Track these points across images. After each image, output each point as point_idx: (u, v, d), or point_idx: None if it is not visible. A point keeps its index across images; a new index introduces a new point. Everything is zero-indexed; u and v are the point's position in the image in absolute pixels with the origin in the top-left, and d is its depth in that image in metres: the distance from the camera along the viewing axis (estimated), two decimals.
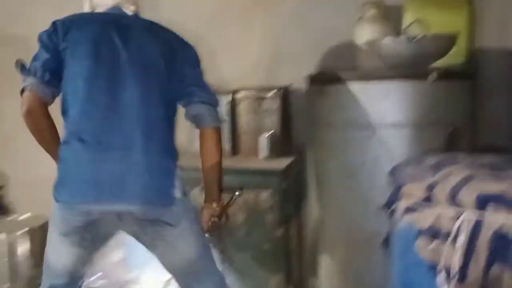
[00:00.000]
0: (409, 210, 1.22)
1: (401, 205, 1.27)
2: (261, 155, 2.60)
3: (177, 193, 1.56)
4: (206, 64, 1.80)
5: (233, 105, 2.68)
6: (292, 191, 2.57)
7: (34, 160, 2.89)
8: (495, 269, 1.00)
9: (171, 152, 1.62)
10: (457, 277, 1.00)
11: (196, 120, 1.71)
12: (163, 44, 1.64)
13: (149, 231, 1.58)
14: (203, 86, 1.72)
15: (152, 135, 1.54)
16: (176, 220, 1.57)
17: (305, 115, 2.54)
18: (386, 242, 1.45)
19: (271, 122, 2.64)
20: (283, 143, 2.65)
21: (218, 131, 1.71)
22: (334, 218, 2.35)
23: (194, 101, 1.69)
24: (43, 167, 2.17)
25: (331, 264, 2.40)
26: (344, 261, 2.33)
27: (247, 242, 2.45)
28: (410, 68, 2.10)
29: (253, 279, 2.48)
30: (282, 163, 2.50)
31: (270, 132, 2.59)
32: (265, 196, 2.41)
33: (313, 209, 2.53)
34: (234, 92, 2.68)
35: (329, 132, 2.30)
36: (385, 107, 2.13)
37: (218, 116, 1.73)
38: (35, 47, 1.64)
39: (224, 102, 2.60)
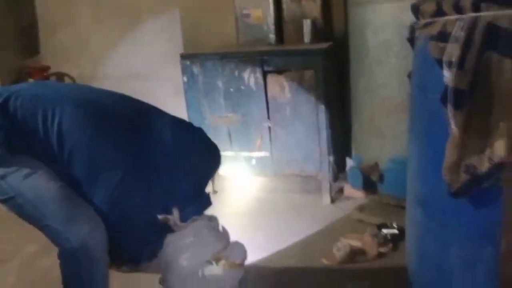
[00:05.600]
0: (424, 26, 1.44)
1: (419, 24, 1.49)
2: (304, 40, 2.84)
3: None
4: None
5: None
6: (334, 71, 2.81)
7: None
8: (487, 54, 1.23)
9: None
10: (456, 65, 1.24)
11: None
12: None
13: None
14: None
15: None
16: None
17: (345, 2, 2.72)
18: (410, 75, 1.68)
19: (313, 10, 2.86)
20: (324, 29, 2.87)
21: None
22: (371, 92, 2.58)
23: None
24: None
25: (367, 132, 2.67)
26: (378, 128, 2.58)
27: (294, 119, 2.75)
28: None
29: (298, 154, 2.79)
30: (324, 45, 2.74)
31: (312, 18, 2.82)
32: (309, 75, 2.66)
33: (353, 87, 2.75)
34: None
35: (368, 10, 2.49)
36: None
37: None
38: None
39: None
